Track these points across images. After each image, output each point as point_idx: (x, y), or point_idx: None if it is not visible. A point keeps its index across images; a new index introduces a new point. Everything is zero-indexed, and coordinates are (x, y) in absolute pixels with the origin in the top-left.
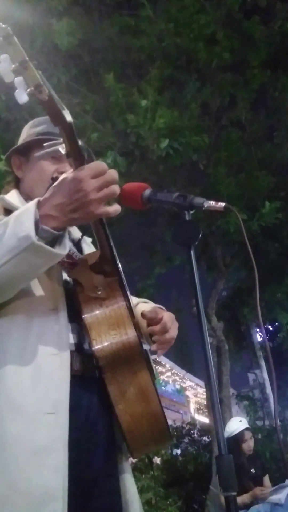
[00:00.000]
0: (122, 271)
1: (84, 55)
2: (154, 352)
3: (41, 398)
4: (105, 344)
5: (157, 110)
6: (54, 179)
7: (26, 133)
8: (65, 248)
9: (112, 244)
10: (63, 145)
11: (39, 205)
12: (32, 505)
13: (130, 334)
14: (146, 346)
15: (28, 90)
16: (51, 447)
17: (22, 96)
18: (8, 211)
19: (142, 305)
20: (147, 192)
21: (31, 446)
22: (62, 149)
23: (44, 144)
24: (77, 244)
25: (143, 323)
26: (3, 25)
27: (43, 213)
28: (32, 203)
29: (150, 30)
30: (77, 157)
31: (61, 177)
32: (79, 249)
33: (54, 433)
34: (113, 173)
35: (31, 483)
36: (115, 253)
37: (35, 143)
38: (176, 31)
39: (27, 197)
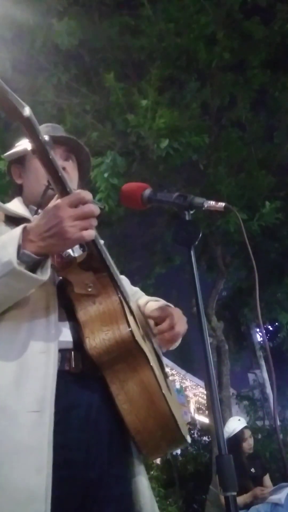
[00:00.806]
0: (112, 266)
1: (84, 55)
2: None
3: (25, 396)
4: (98, 341)
5: (157, 110)
6: (47, 186)
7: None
8: (47, 273)
9: (97, 240)
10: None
11: (24, 230)
12: (14, 505)
13: (122, 329)
14: (156, 344)
15: None
16: (34, 447)
17: None
18: (10, 218)
19: (152, 304)
20: (147, 192)
21: (13, 445)
22: (29, 146)
23: (16, 144)
24: None
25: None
26: None
27: (25, 238)
28: (19, 228)
29: (150, 30)
30: (41, 152)
31: (50, 203)
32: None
33: (38, 432)
34: (92, 207)
35: (13, 482)
36: (100, 248)
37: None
38: (176, 31)
39: (29, 202)
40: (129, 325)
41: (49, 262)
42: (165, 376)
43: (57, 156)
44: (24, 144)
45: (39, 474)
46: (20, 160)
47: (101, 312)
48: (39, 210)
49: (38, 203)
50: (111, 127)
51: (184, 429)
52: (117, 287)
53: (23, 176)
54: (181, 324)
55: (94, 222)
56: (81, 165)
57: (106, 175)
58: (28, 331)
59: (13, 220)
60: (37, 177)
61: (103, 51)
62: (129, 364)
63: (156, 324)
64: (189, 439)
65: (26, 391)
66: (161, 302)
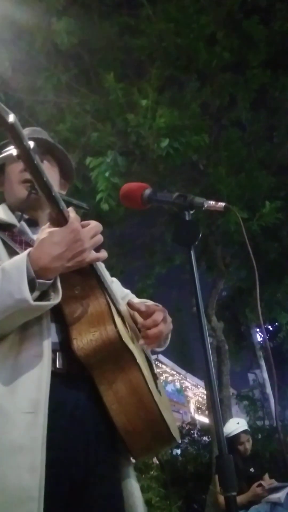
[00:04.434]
0: (100, 269)
1: (84, 55)
2: (155, 352)
3: (20, 397)
4: (85, 342)
5: (157, 110)
6: (29, 185)
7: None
8: (59, 294)
9: None
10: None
11: (30, 258)
12: (7, 504)
13: (109, 330)
14: (141, 343)
15: None
16: (28, 447)
17: None
18: None
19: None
20: (147, 192)
21: (7, 445)
22: (14, 153)
23: (2, 151)
24: None
25: (140, 320)
26: None
27: (40, 267)
28: (23, 259)
29: (150, 30)
30: (26, 158)
31: (47, 230)
32: None
33: (32, 432)
34: (98, 223)
35: (6, 482)
36: None
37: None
38: (176, 31)
39: (14, 208)
40: (116, 326)
41: (59, 283)
42: (155, 377)
43: None
44: (9, 150)
45: (32, 474)
46: (1, 167)
47: (89, 314)
48: (24, 215)
49: (21, 209)
50: (111, 127)
51: (173, 429)
52: (104, 289)
53: (4, 183)
54: (165, 323)
55: (101, 238)
56: (60, 163)
57: (106, 174)
58: (21, 334)
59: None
60: (11, 180)
61: (103, 51)
62: (117, 364)
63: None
64: (179, 439)
65: (20, 393)
66: (150, 303)
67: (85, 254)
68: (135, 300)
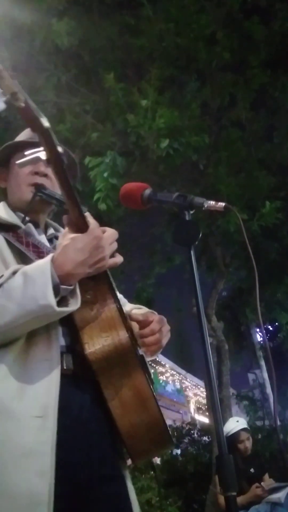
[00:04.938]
0: (110, 275)
1: (84, 55)
2: (148, 356)
3: (30, 401)
4: (97, 347)
5: (157, 110)
6: (36, 187)
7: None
8: (78, 300)
9: None
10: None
11: (54, 264)
12: (17, 509)
13: (122, 335)
14: (141, 351)
15: (5, 98)
16: (37, 451)
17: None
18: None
19: (136, 311)
20: (147, 192)
21: (17, 449)
22: (43, 156)
23: (25, 152)
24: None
25: (136, 328)
26: None
27: (65, 272)
28: (46, 264)
29: (150, 30)
30: (57, 163)
31: (69, 236)
32: None
33: (41, 436)
34: (115, 231)
35: (16, 487)
36: None
37: (12, 152)
38: (176, 31)
39: (15, 208)
40: (127, 332)
41: (78, 289)
42: (151, 382)
43: (39, 163)
44: (37, 152)
45: (42, 479)
46: (5, 164)
47: (99, 319)
48: (27, 218)
49: (24, 210)
50: (111, 127)
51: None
52: (114, 294)
53: (7, 180)
54: (163, 331)
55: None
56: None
57: (105, 175)
58: (30, 338)
59: (1, 226)
60: (17, 181)
61: (103, 51)
62: (124, 369)
63: (140, 328)
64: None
65: (30, 397)
66: (144, 309)
67: (105, 261)
68: (128, 306)
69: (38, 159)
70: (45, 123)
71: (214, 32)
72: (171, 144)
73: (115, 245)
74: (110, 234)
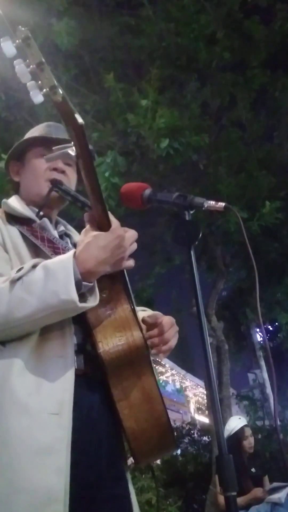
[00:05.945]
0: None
1: (84, 55)
2: (156, 357)
3: (46, 398)
4: (111, 346)
5: (157, 110)
6: (53, 182)
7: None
8: (97, 297)
9: None
10: (73, 147)
11: (76, 260)
12: (33, 506)
13: (136, 336)
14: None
15: (44, 91)
16: (53, 448)
17: (37, 97)
18: (10, 215)
19: (142, 313)
20: (147, 192)
21: (34, 445)
22: (71, 151)
23: (53, 148)
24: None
25: (144, 330)
26: (23, 28)
27: (87, 269)
28: (69, 259)
29: (150, 30)
30: (87, 158)
31: (92, 233)
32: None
33: (57, 433)
34: (135, 232)
35: (32, 483)
36: None
37: (28, 147)
38: (176, 31)
39: (28, 202)
40: (142, 332)
41: (96, 286)
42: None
43: (58, 160)
44: (66, 148)
45: (59, 475)
46: (20, 157)
47: (113, 318)
48: (41, 212)
49: (39, 204)
50: (111, 127)
51: None
52: (129, 295)
53: (20, 174)
54: (171, 332)
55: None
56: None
57: (106, 174)
58: (44, 335)
59: (16, 219)
60: (35, 176)
61: (103, 51)
62: (134, 370)
63: (148, 330)
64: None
65: (46, 393)
66: (149, 311)
67: (123, 261)
68: None
69: (67, 155)
70: (80, 119)
71: (214, 32)
72: (171, 144)
73: (134, 246)
74: (131, 234)
